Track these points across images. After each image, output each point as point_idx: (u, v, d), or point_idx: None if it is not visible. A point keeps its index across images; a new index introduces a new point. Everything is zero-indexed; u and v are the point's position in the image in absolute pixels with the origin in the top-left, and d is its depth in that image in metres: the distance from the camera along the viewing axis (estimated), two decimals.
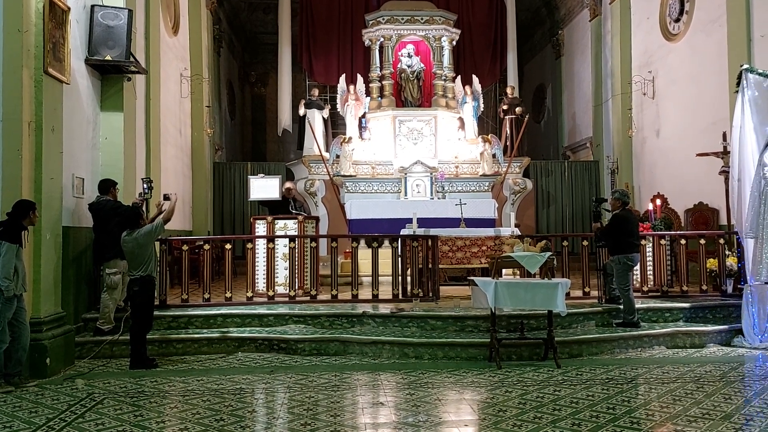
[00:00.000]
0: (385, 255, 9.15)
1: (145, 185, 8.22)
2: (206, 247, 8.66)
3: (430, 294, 8.79)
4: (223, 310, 8.27)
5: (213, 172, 15.44)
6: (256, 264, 9.36)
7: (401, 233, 10.05)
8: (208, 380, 6.34)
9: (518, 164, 15.11)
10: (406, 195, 14.39)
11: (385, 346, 7.26)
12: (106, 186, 7.93)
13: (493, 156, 14.70)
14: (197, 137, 14.31)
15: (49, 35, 6.84)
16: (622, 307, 7.79)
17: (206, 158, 14.72)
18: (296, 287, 8.90)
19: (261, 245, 9.25)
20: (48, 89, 6.84)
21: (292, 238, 8.98)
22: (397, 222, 13.65)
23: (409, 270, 8.98)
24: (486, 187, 14.78)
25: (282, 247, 9.26)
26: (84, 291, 8.13)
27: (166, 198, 7.76)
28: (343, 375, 6.46)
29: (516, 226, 15.10)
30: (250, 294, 8.70)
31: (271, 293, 8.74)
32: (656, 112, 13.43)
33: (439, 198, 14.37)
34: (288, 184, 10.19)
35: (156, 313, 8.11)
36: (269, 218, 9.61)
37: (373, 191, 14.67)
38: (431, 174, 14.39)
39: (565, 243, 8.86)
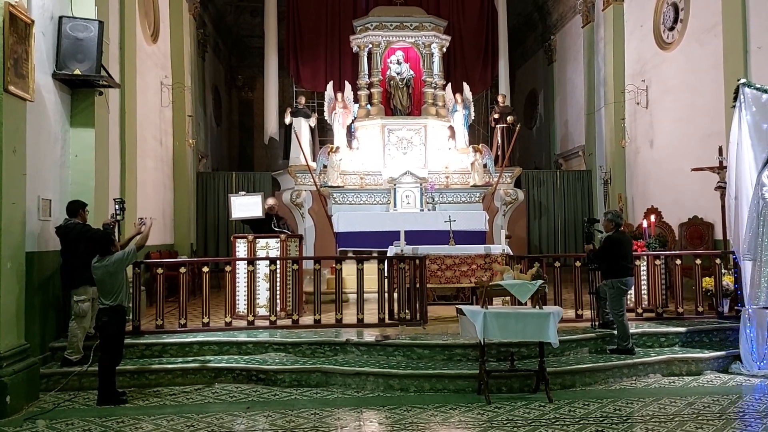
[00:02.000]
0: (371, 270, 8.78)
1: (117, 206, 7.82)
2: (182, 270, 8.27)
3: (418, 317, 8.43)
4: (200, 337, 7.89)
5: (196, 183, 15.05)
6: (237, 286, 8.99)
7: (388, 252, 9.69)
8: (179, 420, 5.96)
9: (509, 174, 14.78)
10: (395, 206, 14.03)
11: (369, 377, 6.89)
12: (75, 208, 7.53)
13: (484, 166, 14.36)
14: (179, 147, 13.92)
15: (10, 51, 6.44)
16: (615, 332, 7.46)
17: (189, 168, 14.32)
18: (277, 311, 8.53)
19: (242, 267, 8.88)
20: (8, 108, 6.43)
21: (273, 260, 8.60)
22: (385, 235, 13.28)
23: (396, 292, 8.62)
24: (477, 198, 14.43)
25: (264, 267, 8.90)
26: (52, 318, 7.73)
27: (141, 223, 7.39)
28: (324, 413, 6.09)
29: (507, 237, 14.77)
30: (228, 319, 8.32)
31: (251, 318, 8.36)
32: (650, 121, 13.13)
33: (429, 209, 14.02)
34: (270, 201, 9.81)
35: (129, 341, 7.76)
36: (250, 237, 9.24)
37: (361, 202, 14.30)
38: (421, 185, 14.04)
39: (557, 264, 8.51)
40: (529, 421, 5.65)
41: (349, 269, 9.65)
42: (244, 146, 21.71)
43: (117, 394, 6.71)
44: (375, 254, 12.88)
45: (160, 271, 8.28)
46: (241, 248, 9.33)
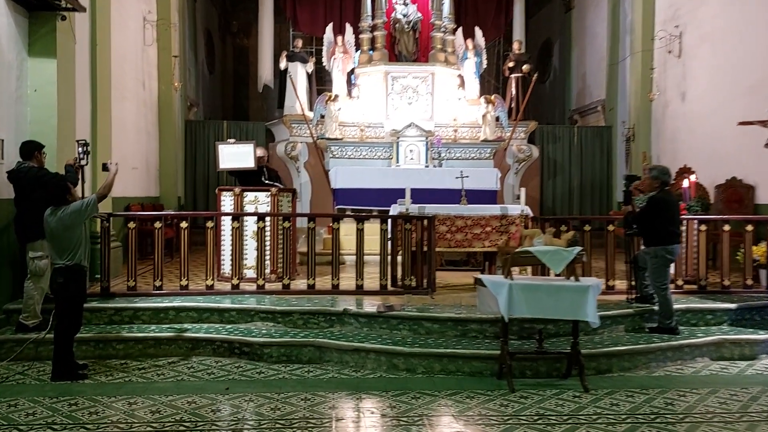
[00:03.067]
0: (372, 230, 7.74)
1: (80, 149, 6.71)
2: (157, 225, 7.21)
3: (425, 284, 7.42)
4: (177, 302, 6.88)
5: (185, 132, 13.87)
6: (222, 244, 7.94)
7: (392, 211, 8.63)
8: (143, 403, 4.98)
9: (523, 129, 13.62)
10: (398, 162, 12.92)
11: (370, 355, 5.90)
12: (29, 149, 6.43)
13: (497, 119, 13.20)
14: (165, 91, 12.70)
15: None
16: (656, 308, 6.46)
17: (176, 116, 13.13)
18: (266, 273, 7.50)
19: (227, 223, 7.82)
20: None
21: (262, 217, 7.54)
22: (387, 192, 12.19)
23: (401, 256, 7.59)
24: (488, 154, 13.31)
25: (252, 224, 7.86)
26: (6, 276, 6.73)
27: (105, 168, 6.30)
28: (316, 399, 5.11)
29: (518, 198, 13.79)
30: (210, 282, 7.29)
31: (236, 281, 7.34)
32: (682, 72, 11.93)
33: (435, 166, 12.92)
34: (260, 152, 8.68)
35: (97, 304, 6.78)
36: (237, 190, 8.15)
37: (361, 157, 13.17)
38: (426, 138, 12.90)
39: (587, 227, 7.45)
40: (565, 417, 4.67)
41: (347, 229, 8.60)
42: (239, 96, 20.44)
43: (75, 368, 5.73)
44: (375, 213, 11.88)
45: (132, 225, 7.22)
46: (227, 202, 8.24)
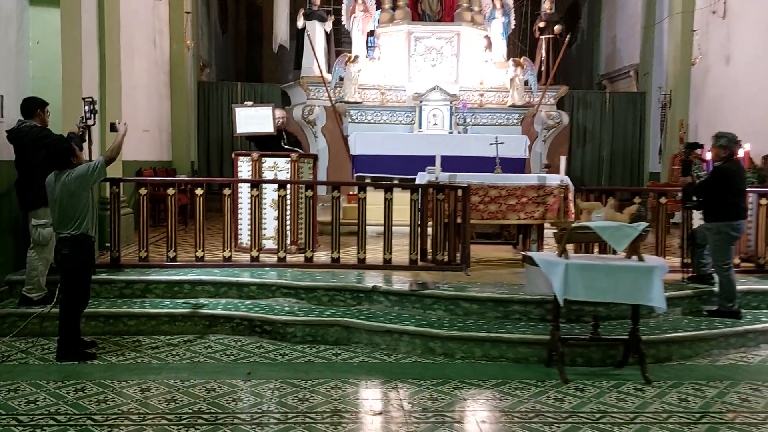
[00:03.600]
0: (400, 200, 7.16)
1: (86, 107, 6.13)
2: (170, 192, 6.66)
3: (457, 259, 6.88)
4: (192, 275, 6.37)
5: (197, 93, 13.25)
6: (239, 213, 7.41)
7: (419, 180, 8.05)
8: (157, 389, 4.50)
9: (553, 94, 12.92)
10: (420, 127, 12.30)
11: (403, 337, 5.39)
12: (31, 107, 5.87)
13: (525, 83, 12.51)
14: (177, 50, 12.06)
15: None
16: (716, 289, 5.89)
17: (188, 76, 12.51)
18: (287, 245, 6.97)
19: (245, 190, 7.29)
20: None
21: (283, 184, 6.98)
22: (411, 160, 11.60)
23: (432, 228, 7.04)
24: (515, 120, 12.66)
25: (272, 192, 7.32)
26: (8, 244, 6.24)
27: (113, 129, 5.74)
28: (347, 388, 4.61)
29: (546, 167, 13.17)
30: (228, 253, 6.76)
31: (255, 252, 6.81)
32: (726, 34, 11.14)
33: (459, 132, 12.29)
34: (279, 113, 8.10)
35: (106, 276, 6.29)
36: (255, 155, 7.58)
37: (381, 122, 12.54)
38: (451, 103, 12.25)
39: (636, 200, 6.84)
40: (631, 416, 4.14)
41: (372, 197, 8.03)
42: (252, 58, 19.70)
43: (83, 346, 5.27)
44: (397, 182, 11.31)
45: (143, 191, 6.68)
46: (244, 168, 7.68)
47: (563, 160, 8.24)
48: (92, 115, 6.14)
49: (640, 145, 14.01)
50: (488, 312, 5.67)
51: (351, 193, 10.48)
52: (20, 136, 5.75)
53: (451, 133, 12.20)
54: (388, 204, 6.84)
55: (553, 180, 8.00)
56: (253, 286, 6.23)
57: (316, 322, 5.65)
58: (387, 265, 6.75)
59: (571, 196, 7.99)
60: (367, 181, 11.42)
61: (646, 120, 13.89)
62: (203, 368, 4.99)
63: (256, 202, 6.87)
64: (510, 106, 12.57)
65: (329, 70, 12.45)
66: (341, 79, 12.23)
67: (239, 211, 7.58)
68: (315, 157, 8.04)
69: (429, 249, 7.06)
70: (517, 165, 11.89)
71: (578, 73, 17.62)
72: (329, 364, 5.15)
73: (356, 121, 12.34)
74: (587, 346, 5.13)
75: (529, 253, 4.99)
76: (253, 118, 7.83)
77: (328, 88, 12.01)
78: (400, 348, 5.38)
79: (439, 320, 5.62)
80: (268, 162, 7.63)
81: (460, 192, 7.00)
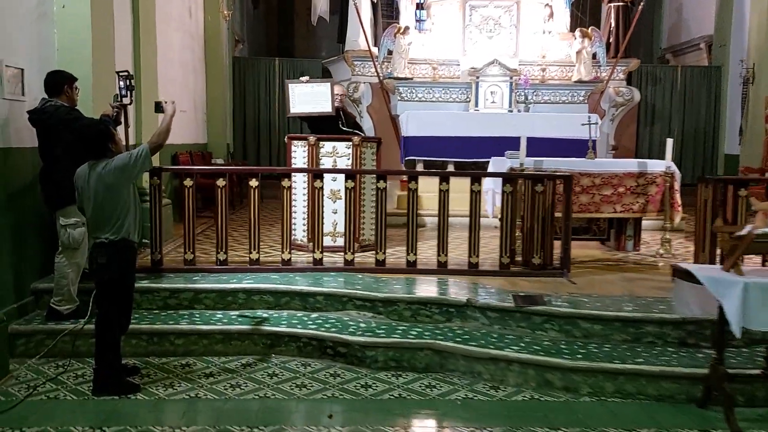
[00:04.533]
0: (458, 188, 6.07)
1: (121, 83, 5.15)
2: (220, 183, 5.67)
3: (553, 262, 5.83)
4: (247, 282, 5.40)
5: (232, 70, 12.26)
6: (293, 207, 6.43)
7: (500, 166, 7.00)
8: None
9: (623, 68, 11.71)
10: (476, 105, 11.19)
11: (513, 366, 4.37)
12: (58, 82, 4.89)
13: (593, 57, 11.33)
14: (212, 23, 11.06)
15: None
16: None
17: (224, 51, 11.51)
18: (353, 246, 5.95)
19: (300, 181, 6.32)
20: None
21: (351, 174, 5.95)
22: (466, 142, 10.51)
23: (522, 225, 5.99)
24: (581, 98, 11.49)
25: (330, 181, 6.34)
26: (33, 246, 5.30)
27: (159, 109, 4.74)
28: None
29: (613, 149, 12.03)
30: (287, 255, 5.78)
31: (318, 254, 5.82)
32: None
33: (519, 110, 11.16)
34: (337, 90, 7.07)
35: (146, 284, 5.33)
36: (312, 139, 6.56)
37: (433, 99, 11.45)
38: (511, 78, 11.11)
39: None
40: None
41: (424, 184, 6.93)
42: (284, 35, 18.61)
43: (124, 373, 4.34)
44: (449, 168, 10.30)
45: (188, 183, 5.70)
46: (299, 154, 6.68)
47: (669, 144, 7.10)
48: (129, 93, 5.17)
49: (715, 123, 12.77)
50: (614, 334, 4.63)
51: (403, 179, 9.49)
52: (44, 117, 4.79)
53: (510, 111, 11.10)
54: (475, 197, 5.78)
55: (656, 167, 6.93)
56: (320, 296, 5.25)
57: (401, 344, 4.66)
58: (473, 270, 5.73)
59: (677, 186, 6.92)
60: (450, 170, 10.42)
61: (722, 97, 12.64)
62: (272, 408, 4.03)
63: (319, 195, 5.86)
64: (576, 81, 11.40)
65: (376, 44, 11.37)
66: (389, 52, 11.15)
67: (293, 204, 6.63)
68: (379, 142, 7.00)
69: (519, 249, 6.03)
70: (585, 147, 10.80)
71: (636, 46, 16.27)
72: (426, 401, 4.16)
73: (406, 99, 11.28)
74: (751, 381, 4.08)
75: (684, 266, 3.92)
76: (310, 96, 6.81)
77: (376, 63, 10.92)
78: (509, 379, 4.38)
79: (554, 344, 4.59)
80: (327, 147, 6.62)
81: (558, 183, 5.93)
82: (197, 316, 5.14)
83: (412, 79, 11.31)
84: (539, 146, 10.47)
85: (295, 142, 6.73)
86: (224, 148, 11.40)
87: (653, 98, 12.75)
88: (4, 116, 4.79)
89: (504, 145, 10.57)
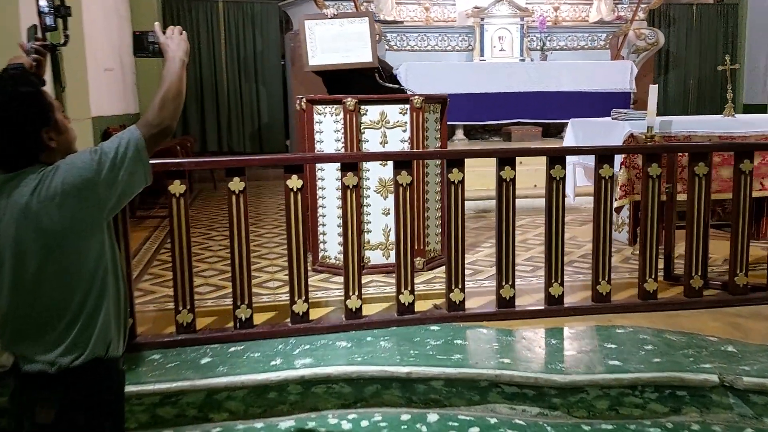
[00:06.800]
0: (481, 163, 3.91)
1: (43, 1, 2.59)
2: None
3: (741, 279, 3.81)
4: (301, 363, 3.05)
5: (163, 15, 9.41)
6: (320, 212, 4.11)
7: (623, 132, 4.89)
8: None
9: (644, 5, 9.83)
10: (482, 54, 9.10)
11: None
12: None
13: None
14: None
15: None
16: None
17: None
18: (459, 281, 3.65)
19: (329, 171, 3.99)
20: None
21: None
22: (480, 101, 8.39)
23: (688, 225, 3.92)
24: (602, 42, 9.62)
25: (378, 168, 4.07)
26: None
27: (143, 46, 2.14)
28: None
29: (633, 103, 10.23)
30: (354, 303, 3.42)
31: (407, 296, 3.47)
32: None
33: (532, 60, 9.13)
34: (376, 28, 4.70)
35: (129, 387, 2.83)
36: (349, 102, 4.18)
37: (428, 48, 9.25)
38: (522, 20, 9.04)
39: None
40: None
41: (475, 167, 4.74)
42: None
43: None
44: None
45: (177, 188, 3.19)
46: (327, 126, 4.31)
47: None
48: (53, 16, 2.59)
49: (732, 69, 11.14)
50: None
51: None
52: None
53: (522, 60, 9.03)
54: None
55: None
56: (438, 382, 2.98)
57: None
58: (647, 303, 3.60)
59: None
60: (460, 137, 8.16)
61: (739, 37, 11.04)
62: None
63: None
64: (596, 22, 9.45)
65: None
66: None
67: (319, 207, 4.30)
68: (444, 102, 4.68)
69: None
70: (620, 102, 8.91)
71: None
72: None
73: (395, 48, 9.01)
74: None
75: None
76: (339, 40, 4.40)
77: (357, 1, 8.50)
78: None
79: None
80: (372, 113, 4.28)
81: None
82: None
83: (402, 23, 9.03)
84: (568, 102, 8.57)
85: (320, 107, 4.32)
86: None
87: (669, 43, 10.96)
88: None
89: (528, 102, 8.56)
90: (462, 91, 8.20)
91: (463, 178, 3.37)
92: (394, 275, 3.52)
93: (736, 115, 5.16)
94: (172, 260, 3.14)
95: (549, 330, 3.32)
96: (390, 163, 3.66)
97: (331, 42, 4.38)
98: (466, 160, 3.46)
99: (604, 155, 3.59)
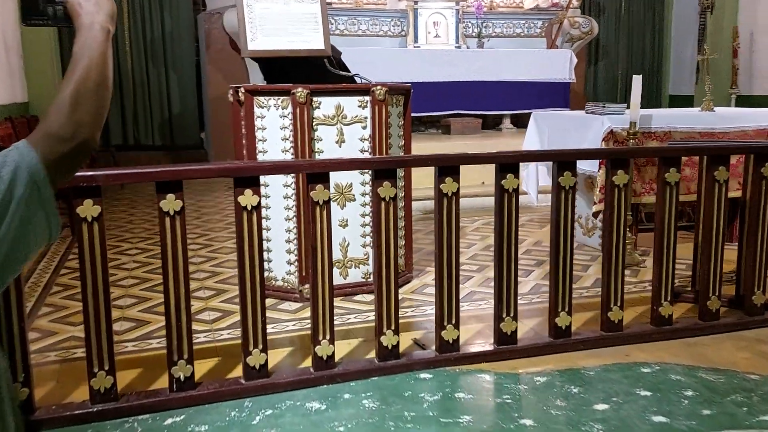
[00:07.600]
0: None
1: None
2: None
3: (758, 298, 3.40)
4: None
5: None
6: (265, 232, 3.40)
7: (602, 128, 4.41)
8: None
9: None
10: (416, 40, 8.53)
11: None
12: None
13: None
14: None
15: None
16: None
17: None
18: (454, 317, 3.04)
19: (275, 182, 3.29)
20: None
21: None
22: (414, 90, 7.80)
23: (696, 235, 3.48)
24: (538, 30, 9.23)
25: (335, 172, 3.40)
26: None
27: (42, 13, 1.34)
28: None
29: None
30: (327, 349, 2.71)
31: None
32: None
33: (469, 48, 8.65)
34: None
35: None
36: (299, 93, 3.44)
37: (359, 33, 8.58)
38: (458, 5, 8.54)
39: None
40: None
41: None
42: None
43: None
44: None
45: (88, 211, 2.38)
46: (272, 122, 3.56)
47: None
48: None
49: (659, 59, 11.15)
50: None
51: None
52: None
53: (459, 47, 8.53)
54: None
55: None
56: None
57: None
58: (662, 330, 3.09)
59: None
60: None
61: (666, 28, 11.01)
62: None
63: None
64: (531, 9, 9.06)
65: None
66: None
67: (263, 218, 3.56)
68: (408, 92, 4.02)
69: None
70: (559, 93, 8.59)
71: None
72: None
73: None
74: None
75: None
76: (284, 20, 3.66)
77: None
78: None
79: None
80: (326, 105, 3.56)
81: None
82: None
83: (330, 5, 8.25)
84: (508, 92, 8.16)
85: (263, 99, 3.55)
86: None
87: (599, 31, 10.78)
88: None
89: (468, 93, 8.06)
90: (398, 80, 7.57)
91: (458, 189, 2.72)
92: (353, 299, 2.87)
93: (715, 108, 4.77)
94: (84, 307, 2.33)
95: (563, 373, 2.75)
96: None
97: (275, 23, 3.62)
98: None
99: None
